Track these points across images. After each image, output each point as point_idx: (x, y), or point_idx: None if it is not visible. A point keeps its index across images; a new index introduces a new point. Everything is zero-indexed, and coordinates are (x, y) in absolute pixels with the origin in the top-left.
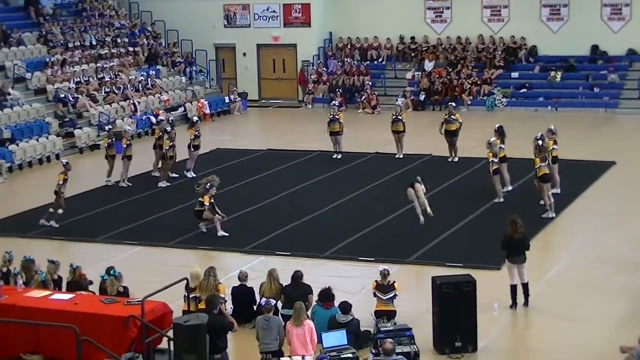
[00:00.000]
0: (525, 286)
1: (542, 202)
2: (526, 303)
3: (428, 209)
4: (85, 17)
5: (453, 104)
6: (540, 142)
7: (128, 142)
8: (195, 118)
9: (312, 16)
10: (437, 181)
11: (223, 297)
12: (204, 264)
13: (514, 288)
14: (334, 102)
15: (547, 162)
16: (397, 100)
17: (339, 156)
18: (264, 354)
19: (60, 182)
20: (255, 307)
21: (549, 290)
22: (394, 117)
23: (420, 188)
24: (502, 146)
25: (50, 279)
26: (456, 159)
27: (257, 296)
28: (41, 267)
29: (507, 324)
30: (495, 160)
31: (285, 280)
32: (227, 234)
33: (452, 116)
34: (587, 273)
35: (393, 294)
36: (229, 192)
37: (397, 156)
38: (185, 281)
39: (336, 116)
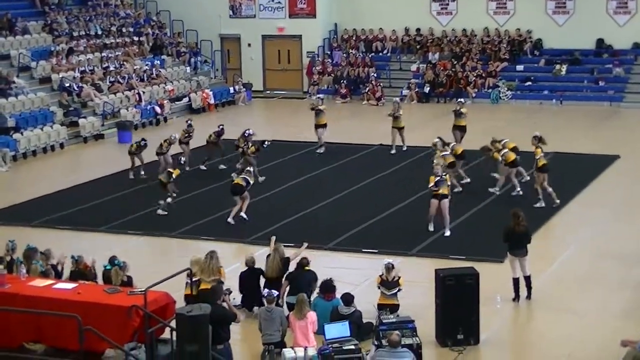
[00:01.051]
0: (527, 279)
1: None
2: (529, 296)
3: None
4: (90, 6)
5: (462, 99)
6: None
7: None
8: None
9: (317, 7)
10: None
11: (228, 288)
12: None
13: (516, 281)
14: (318, 95)
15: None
16: (401, 92)
17: (322, 150)
18: (267, 345)
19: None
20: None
21: (551, 283)
22: (394, 114)
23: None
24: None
25: (51, 268)
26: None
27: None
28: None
29: (510, 316)
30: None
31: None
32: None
33: (461, 110)
34: (590, 267)
35: (397, 289)
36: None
37: (391, 152)
38: (188, 271)
39: (321, 108)
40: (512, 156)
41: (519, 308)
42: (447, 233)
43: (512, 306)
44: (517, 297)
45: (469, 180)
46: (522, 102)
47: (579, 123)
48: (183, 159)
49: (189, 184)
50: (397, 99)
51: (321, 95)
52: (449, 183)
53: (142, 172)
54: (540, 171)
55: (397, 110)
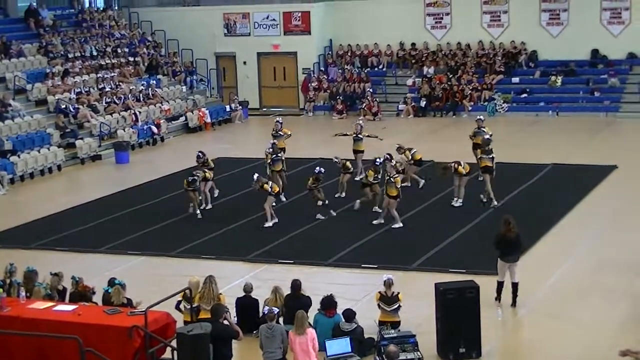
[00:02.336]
0: (515, 286)
1: (482, 195)
2: (514, 304)
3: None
4: (85, 27)
5: (482, 117)
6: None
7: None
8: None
9: (312, 24)
10: (440, 187)
11: (226, 306)
12: (206, 273)
13: (500, 284)
14: (278, 119)
15: (490, 155)
16: (397, 107)
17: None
18: None
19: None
20: (259, 317)
21: (552, 294)
22: (355, 135)
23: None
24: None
25: (55, 290)
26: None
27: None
28: (46, 279)
29: (511, 328)
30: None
31: (287, 290)
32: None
33: (482, 129)
34: (590, 277)
35: (397, 305)
36: (230, 200)
37: (356, 178)
38: (187, 291)
39: (280, 132)
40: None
41: (520, 320)
42: (396, 225)
43: (513, 318)
44: (498, 299)
45: (424, 181)
46: (518, 114)
47: (576, 134)
48: (216, 191)
49: (185, 204)
50: (361, 120)
51: (361, 122)
52: (397, 185)
53: (203, 206)
54: (484, 172)
55: (358, 132)
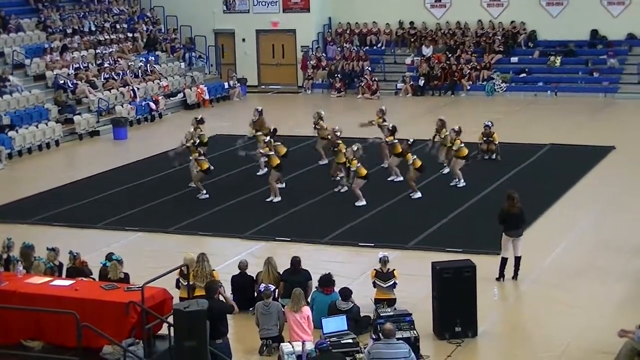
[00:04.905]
0: (517, 259)
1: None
2: (515, 277)
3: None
4: (84, 3)
5: (490, 122)
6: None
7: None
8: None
9: (311, 1)
10: (436, 166)
11: (219, 281)
12: (203, 250)
13: (504, 261)
14: (257, 108)
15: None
16: (396, 85)
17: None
18: (265, 339)
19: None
20: (255, 295)
21: (548, 275)
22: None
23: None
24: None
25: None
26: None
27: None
28: (42, 255)
29: (507, 308)
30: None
31: (284, 267)
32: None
33: (490, 138)
34: (587, 258)
35: (393, 282)
36: (227, 178)
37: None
38: (184, 267)
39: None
40: (342, 159)
41: (516, 300)
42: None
43: (509, 298)
44: (501, 277)
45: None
46: (517, 94)
47: (574, 115)
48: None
49: (186, 180)
50: (321, 110)
51: (258, 108)
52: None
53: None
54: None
55: (317, 119)
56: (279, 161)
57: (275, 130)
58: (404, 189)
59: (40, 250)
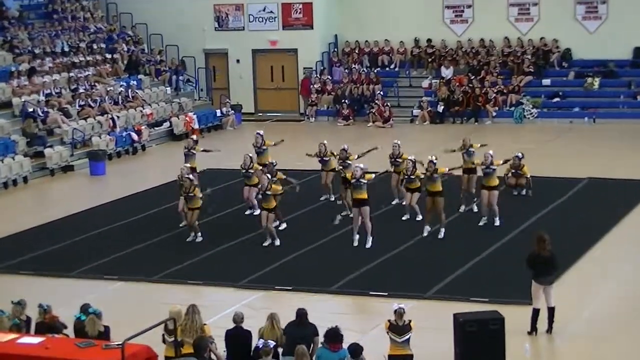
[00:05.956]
0: (551, 311)
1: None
2: (549, 330)
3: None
4: (56, 20)
5: (521, 153)
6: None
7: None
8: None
9: (314, 17)
10: (457, 204)
11: (210, 336)
12: (192, 300)
13: (536, 312)
14: (259, 131)
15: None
16: (412, 112)
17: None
18: None
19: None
20: (252, 353)
21: (587, 328)
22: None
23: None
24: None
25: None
26: None
27: (255, 340)
28: (5, 308)
29: None
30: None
31: (286, 321)
32: None
33: (519, 171)
34: (632, 308)
35: (409, 335)
36: (221, 217)
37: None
38: (168, 322)
39: (263, 147)
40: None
41: (550, 356)
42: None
43: (543, 355)
44: (534, 331)
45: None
46: (550, 121)
47: (615, 144)
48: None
49: (173, 221)
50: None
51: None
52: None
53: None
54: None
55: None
56: (275, 203)
57: (274, 164)
58: (420, 230)
59: (4, 304)
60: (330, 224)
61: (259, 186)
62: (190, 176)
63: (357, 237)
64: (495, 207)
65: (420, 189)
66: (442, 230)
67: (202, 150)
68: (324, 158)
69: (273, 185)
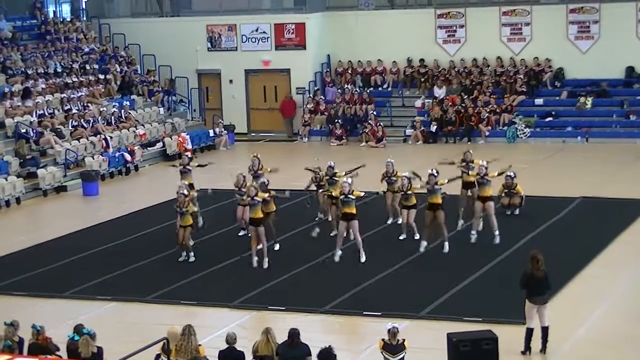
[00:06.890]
0: (545, 330)
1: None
2: (543, 350)
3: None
4: (49, 41)
5: (513, 173)
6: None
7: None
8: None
9: (307, 37)
10: (454, 222)
11: (205, 356)
12: (186, 321)
13: (529, 332)
14: (254, 154)
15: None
16: (404, 132)
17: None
18: None
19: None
20: None
21: (582, 348)
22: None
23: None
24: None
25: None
26: None
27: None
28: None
29: None
30: None
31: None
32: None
33: (512, 190)
34: (626, 328)
35: (403, 354)
36: (213, 238)
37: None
38: (161, 344)
39: (260, 172)
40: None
41: None
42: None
43: None
44: (527, 350)
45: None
46: (543, 141)
47: (608, 163)
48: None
49: (168, 241)
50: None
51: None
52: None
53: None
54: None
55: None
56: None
57: (266, 183)
58: (414, 248)
59: None
60: (312, 237)
61: (245, 194)
62: (185, 191)
63: (339, 252)
64: (493, 219)
65: (416, 205)
66: (446, 244)
67: (197, 166)
68: (321, 183)
69: (260, 193)
